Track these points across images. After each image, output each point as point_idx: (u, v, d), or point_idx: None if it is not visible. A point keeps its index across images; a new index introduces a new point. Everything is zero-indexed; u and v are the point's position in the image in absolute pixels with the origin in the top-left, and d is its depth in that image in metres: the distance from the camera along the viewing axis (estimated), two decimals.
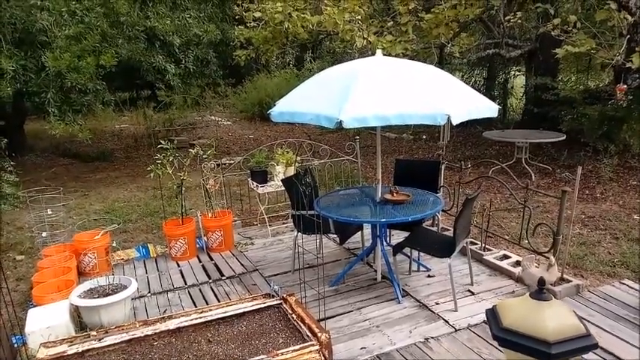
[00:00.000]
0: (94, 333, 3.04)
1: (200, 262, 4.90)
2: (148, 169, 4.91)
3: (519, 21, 7.75)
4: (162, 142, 4.94)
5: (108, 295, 3.62)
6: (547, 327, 2.03)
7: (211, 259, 4.94)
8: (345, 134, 11.40)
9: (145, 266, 4.84)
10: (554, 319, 2.06)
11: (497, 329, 2.17)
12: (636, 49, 6.02)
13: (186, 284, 4.39)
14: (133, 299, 3.94)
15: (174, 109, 13.68)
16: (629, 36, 6.46)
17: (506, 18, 7.84)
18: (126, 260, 4.96)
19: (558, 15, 7.96)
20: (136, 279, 4.30)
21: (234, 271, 4.63)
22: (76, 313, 3.65)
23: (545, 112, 9.30)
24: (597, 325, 3.42)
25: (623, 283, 4.04)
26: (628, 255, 4.72)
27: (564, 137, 7.85)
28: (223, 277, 4.50)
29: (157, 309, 3.97)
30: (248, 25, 7.78)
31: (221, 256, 5.01)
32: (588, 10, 8.22)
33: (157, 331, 3.06)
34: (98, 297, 3.62)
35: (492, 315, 2.27)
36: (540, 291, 2.18)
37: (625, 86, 6.74)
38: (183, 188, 5.04)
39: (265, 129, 13.95)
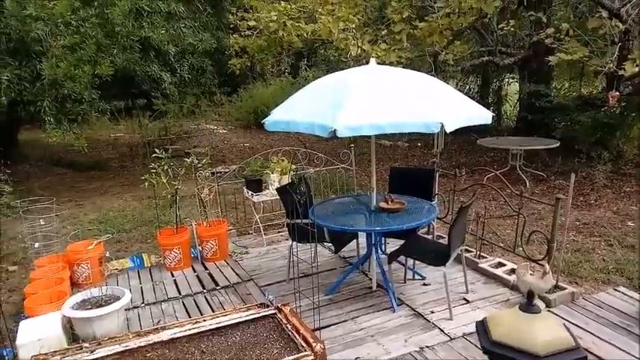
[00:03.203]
0: (87, 345, 3.01)
1: (194, 271, 4.87)
2: (143, 178, 4.89)
3: (512, 29, 7.81)
4: (157, 150, 4.93)
5: (101, 306, 3.59)
6: (537, 340, 2.03)
7: (206, 269, 4.92)
8: (340, 142, 11.41)
9: (139, 276, 4.81)
10: (544, 332, 2.06)
11: (487, 343, 2.16)
12: (628, 56, 6.07)
13: (180, 294, 4.36)
14: (126, 310, 3.91)
15: (170, 118, 13.67)
16: (620, 44, 6.52)
17: (500, 26, 7.92)
18: (120, 270, 4.92)
19: (551, 23, 8.04)
20: (130, 289, 4.26)
21: (228, 280, 4.60)
22: (69, 325, 3.61)
23: (539, 119, 9.35)
24: (592, 333, 3.41)
25: (618, 290, 4.04)
26: (622, 262, 4.73)
27: (558, 144, 7.89)
28: (218, 287, 4.48)
29: (151, 320, 3.94)
30: (243, 33, 7.80)
31: (216, 265, 4.99)
32: (580, 19, 8.32)
33: (151, 342, 3.02)
34: (91, 308, 3.59)
35: (482, 328, 2.26)
36: (529, 303, 2.18)
37: (617, 93, 6.78)
38: (178, 197, 5.02)
39: (261, 137, 13.95)
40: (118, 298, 3.69)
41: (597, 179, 7.36)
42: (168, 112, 13.54)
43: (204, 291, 4.42)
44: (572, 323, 3.55)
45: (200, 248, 5.15)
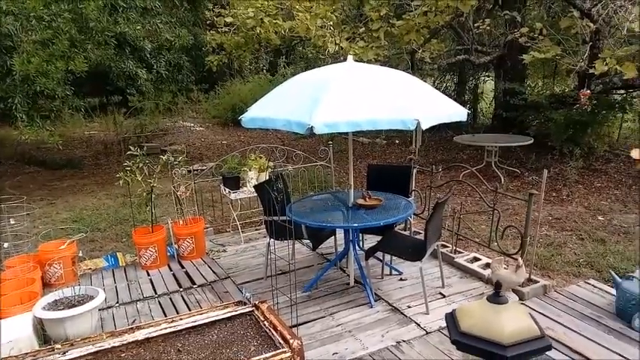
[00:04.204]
0: (59, 346, 2.94)
1: (171, 270, 4.81)
2: (117, 176, 4.81)
3: (488, 28, 7.93)
4: (132, 148, 4.84)
5: (73, 306, 3.52)
6: (503, 330, 2.07)
7: (182, 267, 4.87)
8: (319, 139, 11.43)
9: (114, 276, 4.72)
10: (510, 322, 2.11)
11: (455, 333, 2.20)
12: (599, 55, 6.22)
13: (156, 293, 4.31)
14: (100, 310, 3.84)
15: (146, 115, 13.46)
16: (591, 43, 6.69)
17: (475, 25, 8.03)
18: (94, 270, 4.83)
19: (525, 22, 8.19)
20: (104, 289, 4.20)
21: (205, 278, 4.56)
22: (40, 326, 3.53)
23: (514, 116, 9.52)
24: (564, 325, 3.50)
25: (588, 283, 4.15)
26: (592, 255, 4.86)
27: (532, 141, 8.05)
28: (194, 286, 4.43)
29: (126, 319, 3.88)
30: (220, 30, 7.73)
31: (192, 263, 4.94)
32: (553, 18, 8.49)
33: (125, 342, 2.98)
34: (63, 309, 3.51)
35: (451, 319, 2.30)
36: (497, 294, 2.22)
37: (588, 91, 6.96)
38: (154, 195, 4.95)
39: (239, 134, 13.86)
40: (91, 298, 3.62)
41: (569, 175, 7.53)
42: (144, 109, 13.34)
43: (181, 289, 4.37)
44: (545, 315, 3.64)
45: (176, 246, 5.09)
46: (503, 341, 2.05)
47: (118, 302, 4.17)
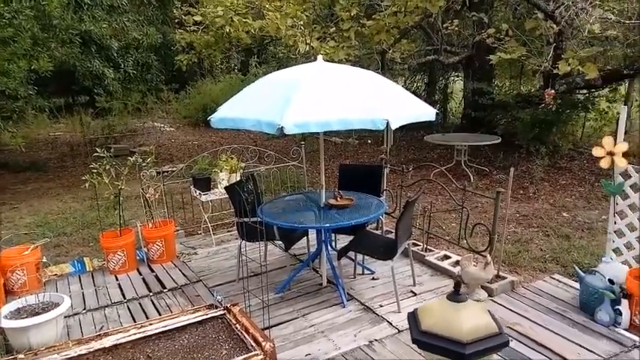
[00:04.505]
0: (22, 356, 2.85)
1: (140, 274, 4.71)
2: (83, 178, 4.68)
3: (456, 29, 8.07)
4: (99, 150, 4.72)
5: (37, 314, 3.41)
6: (462, 328, 2.12)
7: (152, 271, 4.77)
8: (291, 139, 11.40)
9: (81, 281, 4.60)
10: (469, 320, 2.15)
11: (416, 333, 2.23)
12: (562, 56, 6.41)
13: (124, 299, 4.21)
14: (66, 317, 3.73)
15: (114, 116, 13.15)
16: (555, 44, 6.88)
17: (444, 25, 8.15)
18: (59, 276, 4.69)
19: (492, 24, 8.36)
20: (70, 295, 4.09)
21: (176, 282, 4.49)
22: (2, 336, 3.41)
23: (482, 115, 9.71)
24: (530, 319, 3.58)
25: (554, 278, 4.27)
26: (558, 251, 5.00)
27: (500, 140, 8.23)
28: (165, 290, 4.35)
29: (93, 326, 3.78)
30: (189, 29, 7.62)
31: (162, 267, 4.85)
32: (519, 20, 8.70)
33: (92, 349, 2.90)
34: (26, 317, 3.39)
35: (413, 319, 2.33)
36: (456, 293, 2.26)
37: (553, 91, 7.16)
38: (122, 198, 4.84)
39: (210, 135, 13.70)
40: (56, 305, 3.51)
41: (536, 173, 7.74)
42: (112, 109, 13.03)
43: (151, 294, 4.28)
44: (513, 311, 3.72)
45: (146, 250, 4.99)
46: (463, 339, 2.09)
47: (84, 309, 4.05)
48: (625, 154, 3.61)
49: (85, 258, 5.01)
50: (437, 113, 3.99)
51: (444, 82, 13.81)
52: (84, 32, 8.40)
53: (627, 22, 6.26)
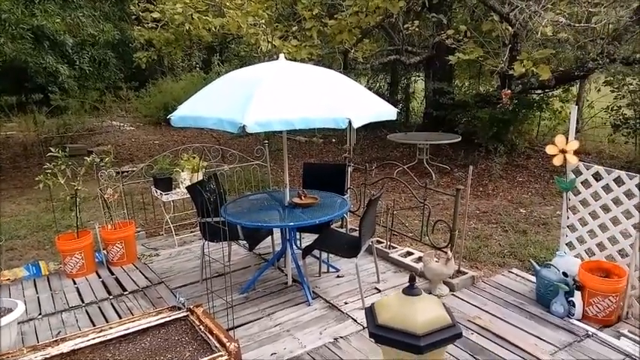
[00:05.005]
0: None
1: (99, 277, 4.57)
2: (37, 179, 4.50)
3: (417, 29, 8.20)
4: (53, 149, 4.55)
5: None
6: (417, 321, 2.17)
7: (112, 274, 4.64)
8: (255, 138, 11.32)
9: (36, 286, 4.42)
10: (424, 313, 2.21)
11: (372, 327, 2.27)
12: (517, 57, 6.62)
13: (83, 302, 4.07)
14: (20, 323, 3.58)
15: (70, 114, 12.69)
16: (510, 45, 7.11)
17: (405, 26, 8.28)
18: (12, 281, 4.49)
19: (451, 25, 8.56)
20: (25, 300, 3.93)
21: (137, 284, 4.38)
22: None
23: (443, 115, 9.93)
24: (490, 313, 3.70)
25: (512, 272, 4.42)
26: (515, 246, 5.18)
27: (460, 139, 8.44)
28: (125, 292, 4.24)
29: (50, 332, 3.64)
30: (147, 25, 7.43)
31: (123, 269, 4.72)
32: (477, 21, 8.93)
33: (48, 356, 2.80)
34: None
35: (370, 313, 2.37)
36: (411, 287, 2.31)
37: (509, 91, 7.39)
38: (79, 199, 4.68)
39: (172, 134, 13.43)
40: (9, 311, 3.36)
41: (494, 171, 7.98)
42: (68, 107, 12.58)
43: (110, 297, 4.16)
44: (473, 305, 3.83)
45: (105, 252, 4.85)
46: (417, 331, 2.14)
47: (40, 314, 3.90)
48: (576, 152, 3.78)
49: (40, 261, 4.82)
50: (398, 112, 4.06)
51: (406, 82, 14.02)
52: (36, 27, 8.06)
53: (577, 25, 6.54)
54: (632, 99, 8.68)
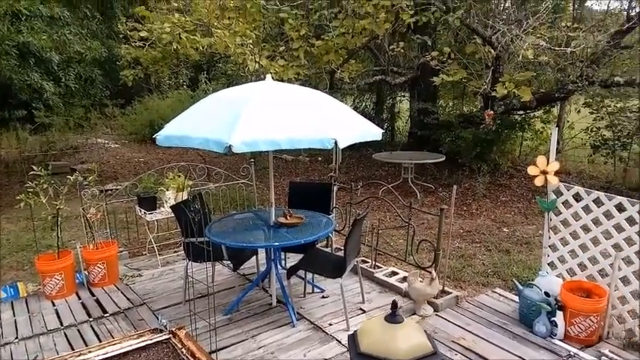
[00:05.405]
0: None
1: (79, 299, 4.48)
2: (18, 197, 4.43)
3: (402, 50, 8.35)
4: (35, 167, 4.49)
5: None
6: (399, 349, 2.18)
7: (93, 295, 4.55)
8: (241, 157, 11.30)
9: (13, 308, 4.30)
10: (406, 340, 2.22)
11: (354, 354, 2.27)
12: (499, 79, 6.77)
13: (62, 325, 3.98)
14: None
15: (54, 132, 12.56)
16: (493, 67, 7.27)
17: (391, 47, 8.42)
18: None
19: (435, 47, 8.73)
20: (1, 324, 3.83)
21: (118, 306, 4.30)
22: None
23: (427, 134, 10.05)
24: (474, 333, 3.70)
25: (495, 292, 4.44)
26: (499, 265, 5.22)
27: (444, 158, 8.54)
28: (106, 314, 4.16)
29: (26, 356, 3.54)
30: (134, 44, 7.45)
31: (104, 290, 4.64)
32: (460, 44, 9.12)
33: None
34: None
35: (352, 340, 2.37)
36: (393, 314, 2.32)
37: (492, 112, 7.53)
38: (61, 218, 4.61)
39: (157, 152, 13.34)
40: None
41: (478, 190, 8.07)
42: (52, 124, 12.46)
43: (90, 319, 4.07)
44: (457, 325, 3.83)
45: (86, 273, 4.77)
46: (399, 359, 2.14)
47: (17, 337, 3.80)
48: (557, 172, 3.85)
49: (18, 283, 4.71)
50: (383, 132, 4.10)
51: (391, 102, 14.20)
52: (21, 44, 8.03)
53: (557, 49, 6.72)
54: (611, 120, 8.91)
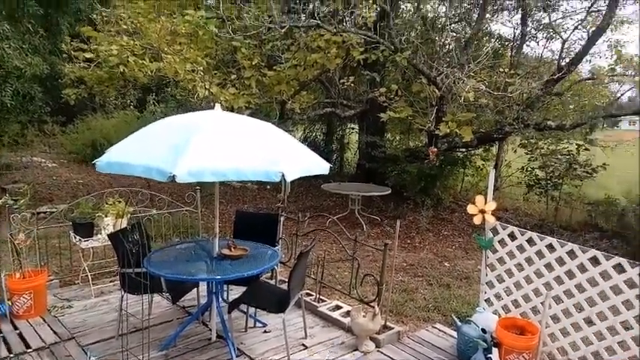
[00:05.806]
0: None
1: (0, 333, 4.14)
2: None
3: (352, 85, 8.58)
4: None
5: None
6: None
7: (16, 329, 4.21)
8: (187, 184, 11.05)
9: None
10: None
11: None
12: (443, 118, 7.08)
13: None
14: None
15: None
16: (437, 107, 7.60)
17: (341, 81, 8.64)
18: None
19: (384, 83, 9.04)
20: None
21: (44, 341, 4.00)
22: None
23: (375, 167, 10.28)
24: None
25: (435, 327, 4.52)
26: (439, 300, 5.33)
27: (390, 191, 8.73)
28: (29, 350, 3.85)
29: None
30: (79, 64, 7.20)
31: (29, 323, 4.31)
32: (407, 82, 9.50)
33: None
34: None
35: None
36: None
37: (435, 149, 7.83)
38: None
39: (98, 174, 12.74)
40: None
41: (421, 223, 8.29)
42: None
43: (11, 356, 3.76)
44: None
45: (10, 303, 4.42)
46: None
47: None
48: (495, 209, 4.03)
49: None
50: (332, 164, 4.15)
51: (341, 133, 14.45)
52: None
53: (496, 92, 7.14)
54: (544, 161, 9.49)
